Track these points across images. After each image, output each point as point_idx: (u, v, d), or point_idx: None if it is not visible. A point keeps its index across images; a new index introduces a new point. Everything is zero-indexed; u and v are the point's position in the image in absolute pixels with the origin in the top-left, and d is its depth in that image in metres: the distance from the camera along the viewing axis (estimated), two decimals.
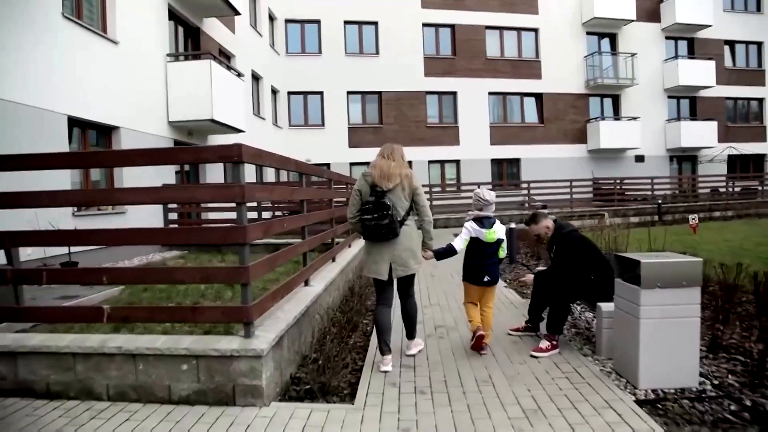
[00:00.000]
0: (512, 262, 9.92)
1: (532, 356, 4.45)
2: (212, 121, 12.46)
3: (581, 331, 5.22)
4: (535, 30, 26.20)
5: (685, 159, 28.85)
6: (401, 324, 4.66)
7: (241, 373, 3.44)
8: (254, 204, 11.92)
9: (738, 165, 29.19)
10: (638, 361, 3.69)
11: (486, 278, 4.57)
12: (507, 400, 3.60)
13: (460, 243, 4.58)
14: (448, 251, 4.59)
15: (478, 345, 4.51)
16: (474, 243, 4.57)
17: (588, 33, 26.87)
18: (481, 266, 4.57)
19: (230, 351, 3.42)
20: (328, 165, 22.14)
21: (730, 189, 26.81)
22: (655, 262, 3.65)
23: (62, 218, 8.34)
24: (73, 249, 7.96)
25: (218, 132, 14.33)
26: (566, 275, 4.58)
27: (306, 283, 5.41)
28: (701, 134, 27.37)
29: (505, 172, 26.43)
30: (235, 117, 14.14)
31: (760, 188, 26.62)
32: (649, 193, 24.17)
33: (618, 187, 24.32)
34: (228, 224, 11.76)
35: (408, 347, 4.63)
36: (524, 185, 23.33)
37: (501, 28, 25.87)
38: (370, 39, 24.62)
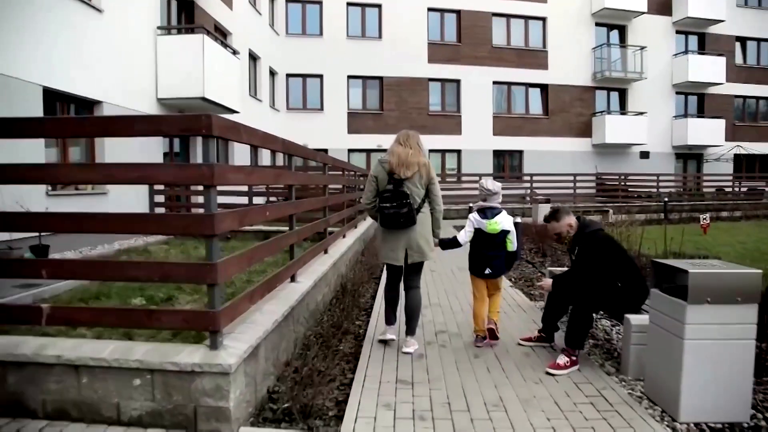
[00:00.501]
0: (516, 259, 9.32)
1: (548, 374, 3.85)
2: (204, 99, 11.79)
3: (600, 342, 4.64)
4: (543, 19, 25.43)
5: (690, 157, 28.23)
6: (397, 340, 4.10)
7: (205, 392, 2.84)
8: (244, 188, 11.29)
9: (744, 165, 28.64)
10: (679, 388, 3.10)
11: (487, 270, 4.46)
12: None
13: (464, 235, 4.54)
14: (453, 242, 4.58)
15: (488, 338, 4.47)
16: (478, 234, 4.48)
17: (597, 24, 26.10)
18: (483, 257, 4.47)
19: (191, 365, 2.82)
20: (326, 151, 21.45)
21: (736, 189, 26.21)
22: (706, 272, 3.05)
23: (37, 198, 7.73)
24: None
25: (211, 112, 13.64)
26: (590, 281, 3.97)
27: (292, 279, 4.81)
28: (708, 132, 26.72)
29: (507, 164, 25.80)
30: (229, 96, 13.47)
31: (767, 189, 26.05)
32: (654, 190, 23.60)
33: (622, 183, 23.72)
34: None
35: (405, 344, 4.40)
36: (527, 178, 22.69)
37: (508, 16, 25.10)
38: (373, 22, 23.85)
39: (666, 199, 18.88)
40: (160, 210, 11.90)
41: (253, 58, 19.58)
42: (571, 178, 22.43)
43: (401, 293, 4.51)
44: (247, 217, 3.40)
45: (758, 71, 28.89)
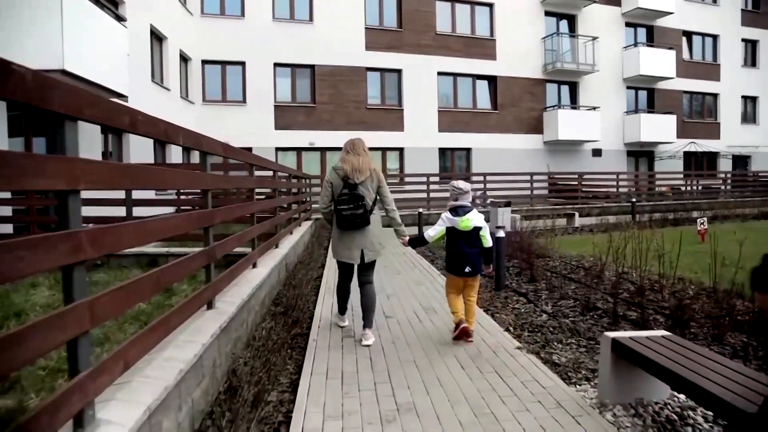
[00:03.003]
0: (499, 288, 6.78)
1: None
2: (64, 73, 8.57)
3: None
4: (490, 5, 23.34)
5: (641, 154, 26.94)
6: None
7: None
8: (121, 195, 8.17)
9: (693, 163, 27.70)
10: None
11: (467, 269, 4.49)
12: None
13: (432, 232, 4.63)
14: (420, 239, 4.75)
15: (461, 335, 4.47)
16: (452, 233, 4.55)
17: (546, 13, 24.32)
18: (461, 256, 4.50)
19: None
20: (250, 149, 18.32)
21: (693, 187, 25.03)
22: None
23: None
24: None
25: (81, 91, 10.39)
26: None
27: (78, 424, 1.97)
28: (661, 128, 25.53)
29: (455, 164, 23.48)
30: (111, 75, 10.28)
31: (723, 187, 25.02)
32: (613, 190, 21.91)
33: (579, 183, 21.82)
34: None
35: (364, 337, 4.56)
36: (478, 178, 20.38)
37: (453, 1, 22.82)
38: (303, 3, 20.88)
39: (634, 200, 16.99)
40: (6, 229, 8.65)
41: (158, 37, 16.28)
42: (527, 177, 20.32)
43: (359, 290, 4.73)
44: None
45: (704, 67, 28.11)
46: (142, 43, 14.48)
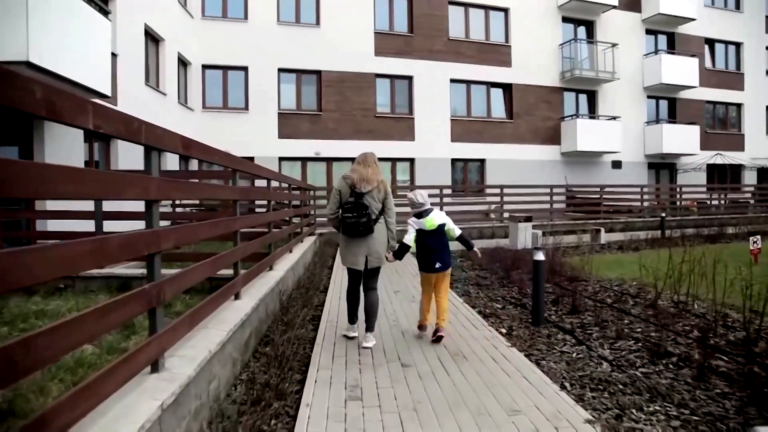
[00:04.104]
0: (538, 323, 5.55)
1: None
2: (29, 65, 7.47)
3: None
4: (505, 10, 22.24)
5: (663, 166, 25.63)
6: None
7: None
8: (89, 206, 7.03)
9: (716, 175, 26.37)
10: None
11: (437, 265, 4.85)
12: None
13: (408, 238, 4.87)
14: (402, 248, 4.86)
15: (436, 339, 4.76)
16: (420, 235, 4.87)
17: (564, 19, 23.18)
18: (430, 254, 4.86)
19: None
20: (252, 159, 17.19)
21: (721, 201, 23.64)
22: None
23: None
24: None
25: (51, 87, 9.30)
26: None
27: None
28: (683, 140, 24.22)
29: (467, 175, 22.28)
30: (89, 72, 9.17)
31: (752, 201, 23.64)
32: (638, 203, 20.59)
33: (601, 196, 20.48)
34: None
35: (365, 339, 4.75)
36: (494, 191, 19.12)
37: (466, 5, 21.72)
38: (310, 6, 19.84)
39: (664, 215, 15.71)
40: None
41: (154, 39, 15.26)
42: (546, 190, 19.04)
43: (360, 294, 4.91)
44: None
45: (727, 76, 26.82)
46: (135, 43, 13.47)
